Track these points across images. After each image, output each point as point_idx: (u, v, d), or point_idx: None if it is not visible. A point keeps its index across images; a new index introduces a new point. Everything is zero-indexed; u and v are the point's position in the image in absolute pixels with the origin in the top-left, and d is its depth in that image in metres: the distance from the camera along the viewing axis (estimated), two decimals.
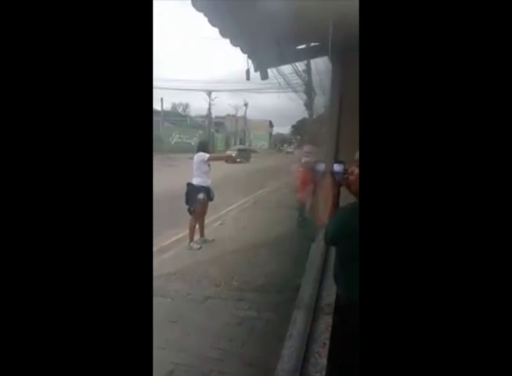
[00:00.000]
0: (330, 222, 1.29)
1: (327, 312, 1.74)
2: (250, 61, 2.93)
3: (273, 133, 49.90)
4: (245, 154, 19.82)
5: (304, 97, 10.82)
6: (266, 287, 3.04)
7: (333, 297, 1.73)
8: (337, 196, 1.40)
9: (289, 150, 28.96)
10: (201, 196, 4.14)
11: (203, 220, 4.41)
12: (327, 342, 1.50)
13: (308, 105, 10.84)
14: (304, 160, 5.04)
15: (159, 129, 24.08)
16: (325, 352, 1.45)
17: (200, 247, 4.16)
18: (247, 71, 2.97)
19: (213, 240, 4.46)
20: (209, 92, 29.84)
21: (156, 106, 25.74)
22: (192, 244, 4.18)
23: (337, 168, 1.35)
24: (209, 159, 4.20)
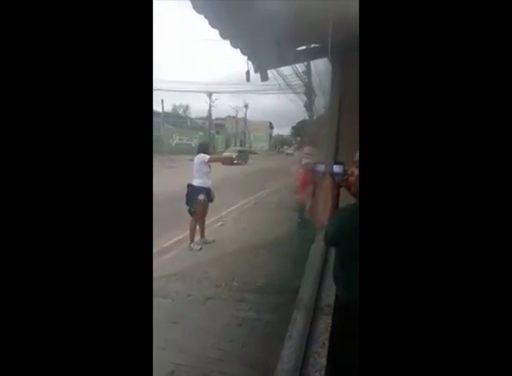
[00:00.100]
0: (330, 223, 1.29)
1: (327, 312, 1.75)
2: (250, 62, 2.94)
3: (273, 134, 49.94)
4: (243, 156, 19.62)
5: (304, 98, 10.85)
6: (266, 288, 3.04)
7: (333, 298, 1.73)
8: (336, 197, 1.40)
9: (288, 151, 28.95)
10: (202, 197, 4.15)
11: (203, 221, 4.41)
12: (326, 342, 1.51)
13: (308, 106, 10.86)
14: (304, 161, 5.04)
15: (159, 131, 24.05)
16: (324, 352, 1.46)
17: (201, 248, 4.16)
18: (247, 73, 2.98)
19: (213, 241, 4.46)
20: (209, 94, 29.87)
21: (157, 107, 25.81)
22: (192, 244, 4.18)
23: (336, 169, 1.35)
24: (209, 160, 4.22)
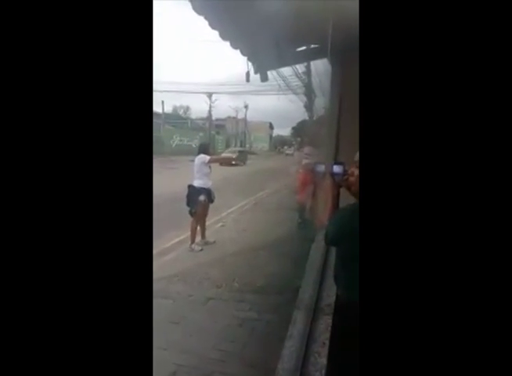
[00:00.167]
0: (330, 223, 1.29)
1: (327, 312, 1.75)
2: (250, 63, 2.94)
3: (273, 135, 49.89)
4: (242, 156, 19.32)
5: (304, 99, 10.87)
6: (267, 289, 3.04)
7: (333, 298, 1.73)
8: (336, 197, 1.40)
9: (288, 151, 28.89)
10: (202, 198, 4.15)
11: (204, 222, 4.41)
12: (327, 342, 1.51)
13: (308, 107, 10.87)
14: (304, 161, 5.04)
15: (160, 132, 24.05)
16: (324, 351, 1.46)
17: (202, 249, 4.16)
18: (247, 73, 2.99)
19: (214, 241, 4.46)
20: (209, 95, 29.87)
21: (157, 108, 25.82)
22: (193, 245, 4.18)
23: (336, 169, 1.35)
24: (210, 161, 4.22)
